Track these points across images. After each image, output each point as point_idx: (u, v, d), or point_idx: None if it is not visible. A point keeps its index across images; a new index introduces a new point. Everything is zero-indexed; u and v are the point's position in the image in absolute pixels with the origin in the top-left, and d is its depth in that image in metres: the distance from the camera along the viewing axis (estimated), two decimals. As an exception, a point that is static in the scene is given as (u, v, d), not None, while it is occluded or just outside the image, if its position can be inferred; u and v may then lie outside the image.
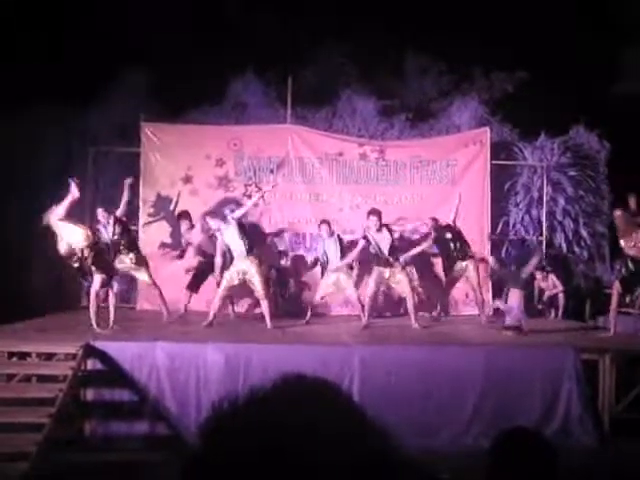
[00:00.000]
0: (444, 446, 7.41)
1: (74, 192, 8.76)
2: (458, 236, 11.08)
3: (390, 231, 10.34)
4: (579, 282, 12.91)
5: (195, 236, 11.01)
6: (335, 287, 10.57)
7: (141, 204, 11.97)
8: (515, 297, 9.78)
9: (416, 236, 11.71)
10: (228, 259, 10.28)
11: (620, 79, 16.42)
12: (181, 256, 11.39)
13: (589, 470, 6.63)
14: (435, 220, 11.36)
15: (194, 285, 10.91)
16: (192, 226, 11.01)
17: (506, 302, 9.96)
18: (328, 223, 10.74)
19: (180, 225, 11.29)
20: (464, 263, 11.04)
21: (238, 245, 9.85)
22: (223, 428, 0.83)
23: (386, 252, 10.20)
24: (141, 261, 10.35)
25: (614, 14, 15.50)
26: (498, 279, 11.58)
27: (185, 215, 11.10)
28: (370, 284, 10.43)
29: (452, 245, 11.04)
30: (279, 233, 12.16)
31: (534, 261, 10.61)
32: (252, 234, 11.74)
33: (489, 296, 12.02)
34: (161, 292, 10.36)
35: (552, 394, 8.07)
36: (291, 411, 0.82)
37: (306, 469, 0.77)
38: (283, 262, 11.61)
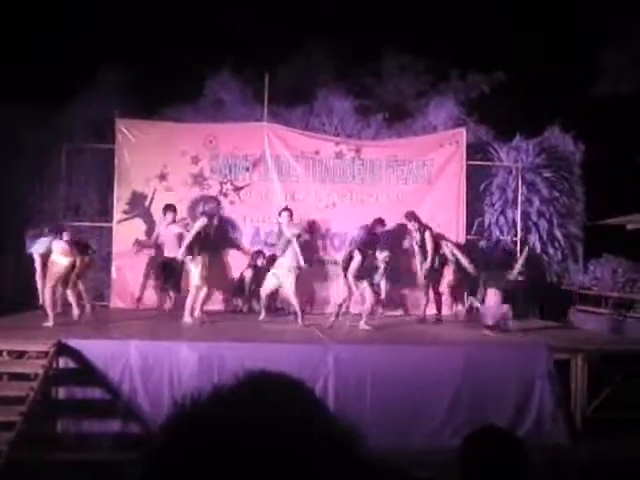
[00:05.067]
0: (419, 445, 7.43)
1: None
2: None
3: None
4: (553, 282, 13.01)
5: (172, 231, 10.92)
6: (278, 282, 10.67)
7: (115, 201, 11.88)
8: (492, 297, 9.83)
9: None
10: None
11: (595, 81, 16.59)
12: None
13: (561, 468, 6.69)
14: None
15: (167, 282, 11.02)
16: (174, 221, 10.93)
17: (483, 302, 10.01)
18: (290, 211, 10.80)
19: (157, 220, 11.45)
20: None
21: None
22: (185, 425, 0.82)
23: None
24: None
25: (590, 17, 15.66)
26: (475, 280, 11.62)
27: (171, 208, 11.01)
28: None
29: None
30: (256, 232, 12.12)
31: (521, 260, 10.66)
32: (228, 233, 11.82)
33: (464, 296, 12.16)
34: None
35: (525, 393, 8.12)
36: (254, 407, 0.81)
37: (268, 465, 0.76)
38: (259, 262, 11.57)
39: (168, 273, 10.90)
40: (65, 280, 9.39)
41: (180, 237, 10.56)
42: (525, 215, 12.93)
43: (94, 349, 7.75)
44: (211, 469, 0.76)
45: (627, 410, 8.09)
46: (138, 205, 11.80)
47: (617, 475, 6.50)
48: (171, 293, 11.02)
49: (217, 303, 11.59)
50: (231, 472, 0.75)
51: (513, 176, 13.01)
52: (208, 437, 0.78)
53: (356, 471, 0.82)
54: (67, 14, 13.98)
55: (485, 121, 13.49)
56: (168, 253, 10.77)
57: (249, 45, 13.50)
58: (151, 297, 11.59)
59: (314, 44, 14.19)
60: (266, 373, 0.89)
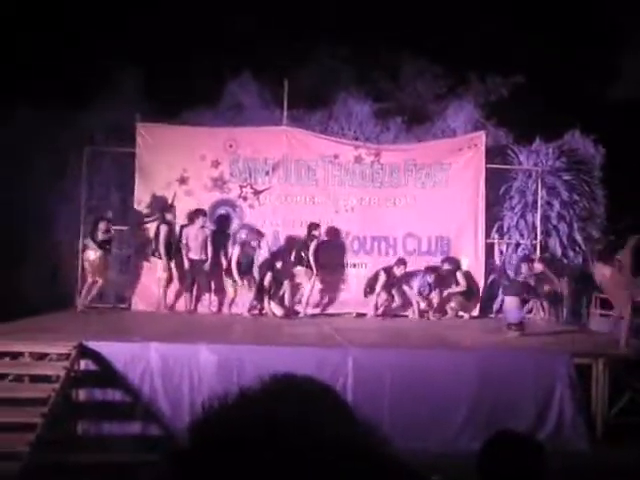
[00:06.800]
0: (437, 449, 7.39)
1: None
2: None
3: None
4: (575, 286, 12.89)
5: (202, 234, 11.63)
6: None
7: (135, 204, 11.95)
8: (511, 301, 9.82)
9: None
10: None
11: (616, 84, 16.46)
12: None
13: (581, 474, 6.64)
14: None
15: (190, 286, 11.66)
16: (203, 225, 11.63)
17: (501, 306, 10.00)
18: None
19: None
20: None
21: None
22: (212, 426, 0.83)
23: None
24: None
25: (610, 19, 15.55)
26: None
27: (202, 213, 11.61)
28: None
29: None
30: (275, 235, 12.15)
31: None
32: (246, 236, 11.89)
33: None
34: None
35: (545, 398, 8.06)
36: (280, 409, 0.82)
37: (294, 467, 0.77)
38: (278, 265, 11.59)
39: (195, 274, 11.62)
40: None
41: (206, 240, 11.54)
42: (545, 218, 12.86)
43: (115, 351, 7.80)
44: (237, 473, 0.77)
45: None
46: (158, 208, 11.85)
47: (638, 481, 6.44)
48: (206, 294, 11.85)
49: (240, 306, 11.61)
50: (257, 476, 0.76)
51: (533, 179, 12.95)
52: (235, 441, 0.79)
53: (381, 475, 0.82)
54: (89, 18, 14.08)
55: (504, 124, 13.43)
56: (194, 256, 11.47)
57: (268, 49, 13.51)
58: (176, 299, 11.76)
59: (333, 48, 14.19)
60: (292, 376, 0.89)
